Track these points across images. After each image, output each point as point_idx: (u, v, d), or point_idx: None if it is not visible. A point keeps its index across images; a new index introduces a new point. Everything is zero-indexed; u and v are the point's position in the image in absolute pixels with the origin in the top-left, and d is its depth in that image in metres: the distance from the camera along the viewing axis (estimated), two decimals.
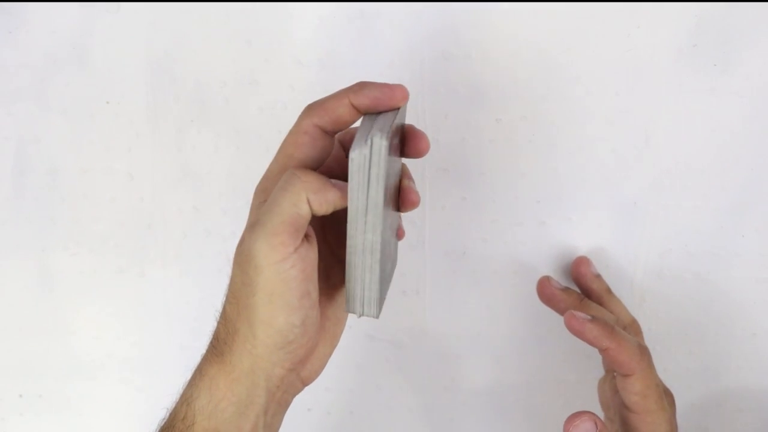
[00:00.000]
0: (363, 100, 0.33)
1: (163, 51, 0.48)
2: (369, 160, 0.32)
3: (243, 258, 0.32)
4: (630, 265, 0.48)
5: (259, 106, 0.48)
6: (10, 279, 0.54)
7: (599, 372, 0.50)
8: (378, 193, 0.33)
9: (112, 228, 0.52)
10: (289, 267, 0.31)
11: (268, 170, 0.35)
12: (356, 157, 0.32)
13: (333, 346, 0.38)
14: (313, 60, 0.47)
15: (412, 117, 0.46)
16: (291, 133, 0.35)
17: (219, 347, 0.33)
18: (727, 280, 0.47)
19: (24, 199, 0.52)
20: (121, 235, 0.52)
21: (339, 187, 0.33)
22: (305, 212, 0.32)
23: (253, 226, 0.32)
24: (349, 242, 0.34)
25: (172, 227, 0.52)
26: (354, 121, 0.35)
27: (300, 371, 0.36)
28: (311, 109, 0.34)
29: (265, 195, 0.34)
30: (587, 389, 0.50)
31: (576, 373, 0.51)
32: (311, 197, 0.32)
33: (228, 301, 0.34)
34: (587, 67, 0.44)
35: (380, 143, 0.32)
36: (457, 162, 0.47)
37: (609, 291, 0.47)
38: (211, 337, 0.34)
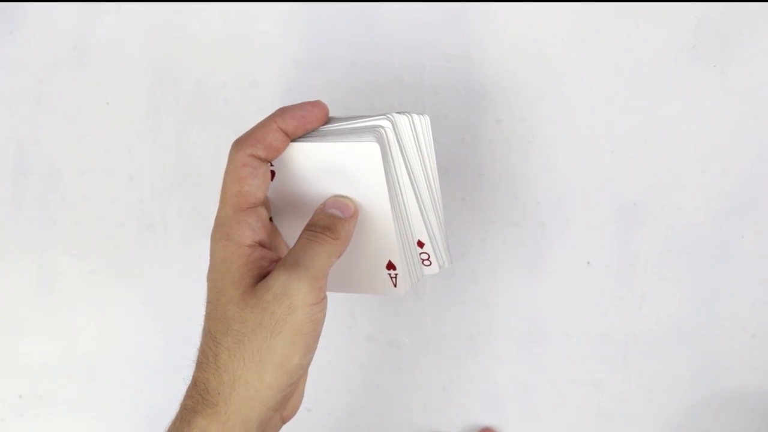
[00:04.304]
0: (290, 122, 0.34)
1: (163, 51, 0.48)
2: (395, 133, 0.34)
3: (270, 297, 0.32)
4: (630, 266, 0.48)
5: (259, 106, 0.48)
6: (10, 280, 0.54)
7: (597, 372, 0.50)
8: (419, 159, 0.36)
9: (112, 229, 0.52)
10: (318, 311, 0.32)
11: (221, 216, 0.35)
12: (381, 135, 0.33)
13: (305, 382, 0.38)
14: (313, 61, 0.47)
15: None
16: (228, 172, 0.34)
17: (210, 398, 0.32)
18: (727, 280, 0.47)
19: (24, 200, 0.52)
20: (120, 236, 0.52)
21: (355, 216, 0.35)
22: (335, 261, 0.34)
23: (293, 266, 0.32)
24: (395, 213, 0.35)
25: (171, 228, 0.52)
26: (283, 147, 0.34)
27: (282, 410, 0.36)
28: (241, 142, 0.34)
29: (228, 240, 0.34)
30: (584, 390, 0.50)
31: (572, 374, 0.51)
32: (342, 249, 0.34)
33: (222, 348, 0.32)
34: (587, 67, 0.44)
35: (396, 117, 0.34)
36: (456, 163, 0.47)
37: None
38: (193, 386, 0.33)
